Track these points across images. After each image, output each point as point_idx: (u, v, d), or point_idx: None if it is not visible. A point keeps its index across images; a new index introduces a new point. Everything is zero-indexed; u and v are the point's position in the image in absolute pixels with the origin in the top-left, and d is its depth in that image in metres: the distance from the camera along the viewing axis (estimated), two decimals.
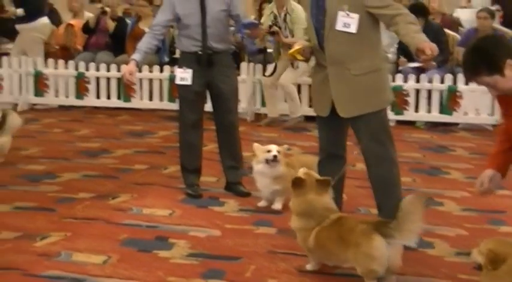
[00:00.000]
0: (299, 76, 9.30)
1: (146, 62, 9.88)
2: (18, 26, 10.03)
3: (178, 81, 5.98)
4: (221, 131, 6.08)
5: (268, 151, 5.61)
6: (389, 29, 4.56)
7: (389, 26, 4.53)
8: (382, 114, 4.70)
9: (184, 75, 5.91)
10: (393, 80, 9.25)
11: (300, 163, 5.30)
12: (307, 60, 4.95)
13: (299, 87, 9.58)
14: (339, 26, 4.55)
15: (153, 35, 5.93)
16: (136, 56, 5.86)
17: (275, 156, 5.57)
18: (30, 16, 10.28)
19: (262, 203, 5.78)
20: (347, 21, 4.54)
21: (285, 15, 8.99)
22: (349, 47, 4.56)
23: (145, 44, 5.91)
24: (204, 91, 6.01)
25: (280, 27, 8.90)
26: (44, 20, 10.46)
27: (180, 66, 5.98)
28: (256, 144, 5.72)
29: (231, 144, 6.09)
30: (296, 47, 4.74)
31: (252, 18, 7.41)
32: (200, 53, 5.87)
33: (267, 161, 5.59)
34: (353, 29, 4.55)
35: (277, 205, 5.71)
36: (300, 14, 8.83)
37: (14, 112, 7.51)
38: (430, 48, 4.25)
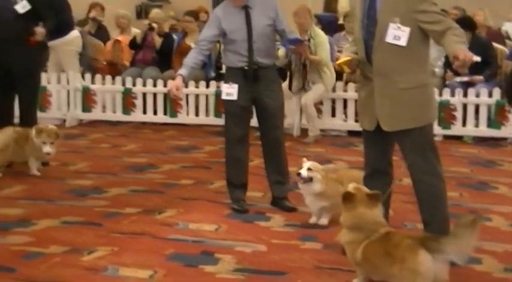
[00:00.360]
0: (320, 95, 9.33)
1: (192, 77, 9.96)
2: (50, 43, 10.26)
3: (224, 97, 6.02)
4: (267, 146, 6.10)
5: (309, 169, 5.63)
6: (438, 44, 4.55)
7: (438, 41, 4.52)
8: (428, 129, 4.67)
9: (230, 91, 5.94)
10: (440, 95, 9.19)
11: (348, 178, 5.29)
12: (353, 72, 4.96)
13: (345, 102, 9.58)
14: (389, 38, 4.54)
15: (199, 50, 5.99)
16: (182, 71, 5.92)
17: (299, 174, 5.58)
18: (61, 31, 10.51)
19: (312, 219, 5.77)
20: (397, 34, 4.53)
21: (309, 39, 9.07)
22: (397, 60, 4.55)
23: (192, 59, 5.97)
24: (250, 106, 6.04)
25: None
26: (75, 33, 10.65)
27: (226, 82, 6.02)
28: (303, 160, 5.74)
29: (277, 159, 6.10)
30: (344, 58, 4.74)
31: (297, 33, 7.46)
32: (246, 68, 5.90)
33: (300, 180, 5.62)
34: (403, 42, 4.53)
35: (324, 220, 5.70)
36: (323, 38, 9.22)
37: None
38: (464, 54, 4.22)
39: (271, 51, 6.03)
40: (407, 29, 4.51)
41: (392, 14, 4.53)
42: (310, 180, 5.61)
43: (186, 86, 9.80)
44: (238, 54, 5.91)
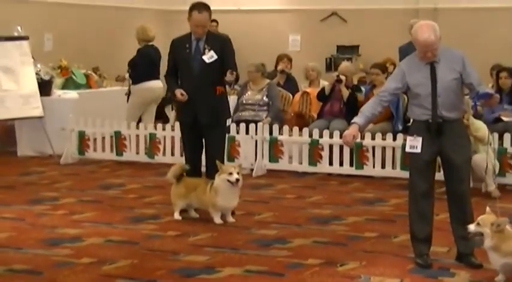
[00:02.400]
0: None
1: (379, 129, 9.97)
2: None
3: (408, 149, 5.99)
4: (453, 200, 6.00)
5: (478, 224, 5.47)
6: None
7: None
8: None
9: (414, 143, 5.92)
10: None
11: None
12: None
13: None
14: None
15: (378, 101, 6.01)
16: (358, 119, 5.95)
17: (466, 229, 5.41)
18: (134, 79, 11.23)
19: (499, 278, 5.57)
20: None
21: None
22: None
23: (370, 108, 6.00)
24: (435, 160, 5.99)
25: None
26: (144, 85, 11.29)
27: (410, 134, 6.00)
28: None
29: (462, 214, 5.97)
30: None
31: (489, 86, 7.29)
32: (430, 121, 5.87)
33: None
34: None
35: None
36: None
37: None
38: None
39: (458, 105, 5.97)
40: None
41: None
42: (480, 235, 5.45)
43: (373, 138, 9.82)
44: (423, 107, 5.90)
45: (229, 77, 7.67)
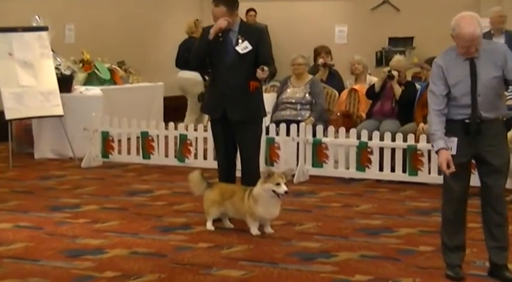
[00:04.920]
0: None
1: None
2: None
3: None
4: (488, 204, 6.04)
5: None
6: None
7: None
8: None
9: (449, 145, 5.93)
10: None
11: None
12: None
13: None
14: None
15: (440, 114, 5.97)
16: (441, 144, 5.91)
17: None
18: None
19: None
20: None
21: None
22: None
23: (439, 127, 5.94)
24: (470, 162, 6.03)
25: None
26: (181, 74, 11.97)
27: (445, 135, 5.98)
28: None
29: (498, 217, 6.00)
30: None
31: None
32: (467, 121, 5.90)
33: None
34: None
35: None
36: None
37: None
38: None
39: (498, 104, 6.00)
40: None
41: None
42: None
43: (428, 141, 9.74)
44: (459, 106, 5.94)
45: (260, 74, 7.71)
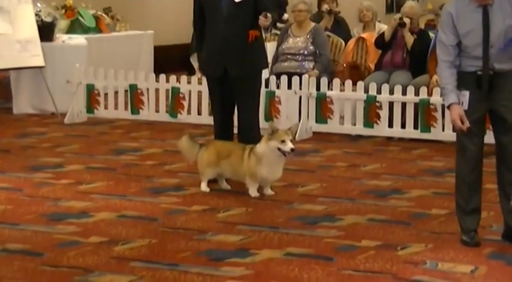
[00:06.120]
0: None
1: None
2: None
3: None
4: (502, 165, 6.08)
5: None
6: None
7: None
8: None
9: (460, 99, 5.94)
10: None
11: None
12: None
13: None
14: None
15: (452, 66, 5.97)
16: (453, 98, 5.90)
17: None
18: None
19: None
20: None
21: None
22: None
23: (451, 80, 5.93)
24: (484, 118, 6.04)
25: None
26: None
27: (457, 88, 5.98)
28: None
29: (511, 184, 6.02)
30: None
31: None
32: (479, 73, 5.90)
33: None
34: None
35: None
36: None
37: None
38: None
39: None
40: None
41: None
42: None
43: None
44: (470, 57, 5.95)
45: (262, 21, 7.67)
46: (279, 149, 7.34)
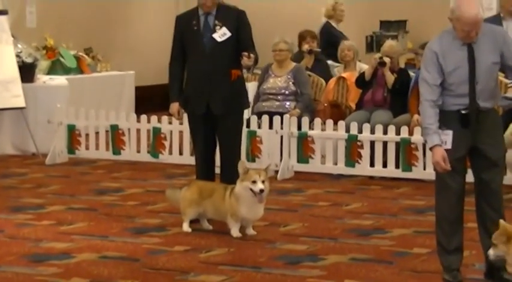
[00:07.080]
0: None
1: None
2: None
3: None
4: (483, 201, 6.08)
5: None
6: None
7: None
8: None
9: (443, 138, 5.94)
10: None
11: None
12: None
13: None
14: None
15: (434, 105, 5.96)
16: (436, 139, 5.89)
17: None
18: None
19: None
20: None
21: None
22: None
23: (433, 120, 5.92)
24: (466, 156, 6.05)
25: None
26: None
27: (439, 127, 6.00)
28: None
29: (496, 213, 6.02)
30: None
31: None
32: (463, 112, 5.92)
33: None
34: None
35: None
36: None
37: None
38: None
39: (495, 92, 6.07)
40: None
41: None
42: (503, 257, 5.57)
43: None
44: (455, 96, 5.95)
45: (245, 61, 7.71)
46: (251, 189, 7.38)
